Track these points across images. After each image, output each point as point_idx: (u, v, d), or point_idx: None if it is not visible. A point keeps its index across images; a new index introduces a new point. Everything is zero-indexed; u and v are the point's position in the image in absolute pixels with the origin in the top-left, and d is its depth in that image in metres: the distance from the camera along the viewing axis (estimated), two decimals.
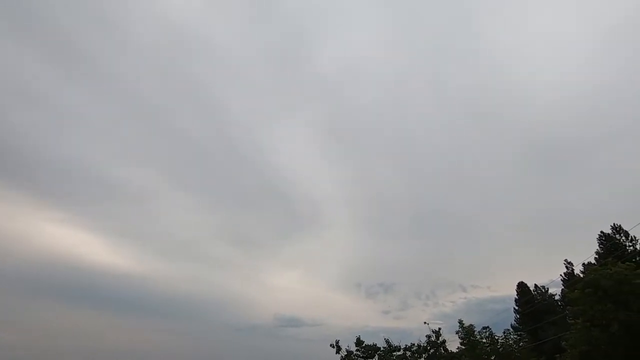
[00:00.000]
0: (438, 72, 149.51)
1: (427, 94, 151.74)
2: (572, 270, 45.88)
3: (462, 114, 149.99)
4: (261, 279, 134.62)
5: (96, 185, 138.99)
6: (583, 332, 22.80)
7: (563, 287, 45.32)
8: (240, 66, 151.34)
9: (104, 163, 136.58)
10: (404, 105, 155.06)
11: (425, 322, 43.60)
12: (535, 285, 51.46)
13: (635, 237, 39.31)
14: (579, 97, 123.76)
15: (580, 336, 22.93)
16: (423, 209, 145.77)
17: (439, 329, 42.71)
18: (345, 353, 41.52)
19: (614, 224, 41.45)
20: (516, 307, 51.39)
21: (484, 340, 38.72)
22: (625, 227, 40.39)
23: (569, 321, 27.01)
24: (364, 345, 41.95)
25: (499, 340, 39.22)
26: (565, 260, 47.30)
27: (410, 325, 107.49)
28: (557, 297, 48.36)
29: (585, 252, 66.39)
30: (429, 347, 41.58)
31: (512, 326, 48.34)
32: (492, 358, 37.89)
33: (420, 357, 41.65)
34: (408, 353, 41.67)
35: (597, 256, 40.59)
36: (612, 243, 40.20)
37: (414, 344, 42.09)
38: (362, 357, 41.49)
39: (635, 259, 34.35)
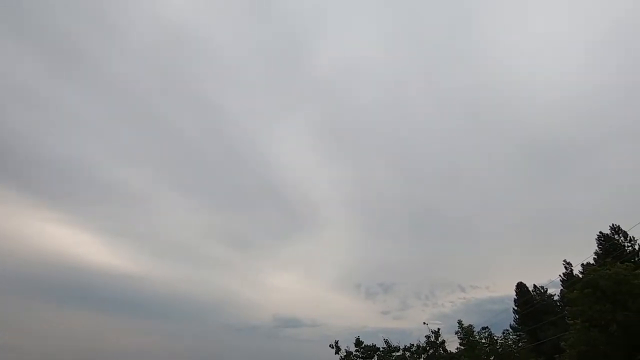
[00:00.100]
0: (438, 72, 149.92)
1: (426, 94, 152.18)
2: (571, 270, 45.95)
3: (461, 114, 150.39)
4: (260, 280, 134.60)
5: (94, 186, 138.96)
6: (582, 332, 22.84)
7: (562, 288, 45.38)
8: (239, 66, 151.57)
9: (102, 163, 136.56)
10: (404, 106, 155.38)
11: (424, 323, 43.68)
12: (534, 286, 51.56)
13: (634, 238, 39.42)
14: (578, 97, 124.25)
15: (579, 336, 22.96)
16: (422, 209, 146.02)
17: (438, 329, 42.83)
18: (345, 353, 41.51)
19: (612, 225, 41.58)
20: (515, 308, 51.44)
21: (483, 341, 38.75)
22: (624, 228, 40.55)
23: (567, 321, 27.01)
24: (363, 345, 41.94)
25: (498, 341, 39.27)
26: (564, 260, 47.45)
27: (410, 326, 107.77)
28: (556, 298, 48.42)
29: (584, 253, 66.57)
30: (428, 348, 41.58)
31: (511, 326, 48.41)
32: (492, 358, 37.93)
33: (419, 358, 41.65)
34: (407, 353, 41.67)
35: (596, 256, 40.67)
36: (610, 243, 40.27)
37: (413, 345, 42.16)
38: (362, 357, 41.48)
39: (634, 259, 34.44)
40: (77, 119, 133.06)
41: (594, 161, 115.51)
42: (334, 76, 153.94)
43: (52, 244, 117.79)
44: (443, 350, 41.60)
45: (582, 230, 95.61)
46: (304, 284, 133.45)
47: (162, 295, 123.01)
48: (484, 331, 39.59)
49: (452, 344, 41.77)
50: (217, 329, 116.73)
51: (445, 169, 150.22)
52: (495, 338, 39.38)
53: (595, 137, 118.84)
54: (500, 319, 53.05)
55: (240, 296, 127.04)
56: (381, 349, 41.84)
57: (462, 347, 39.09)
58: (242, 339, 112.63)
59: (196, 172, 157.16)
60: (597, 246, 41.79)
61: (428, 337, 42.15)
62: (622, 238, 40.36)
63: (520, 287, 51.96)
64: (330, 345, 42.05)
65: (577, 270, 44.07)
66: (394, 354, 41.57)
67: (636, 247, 38.92)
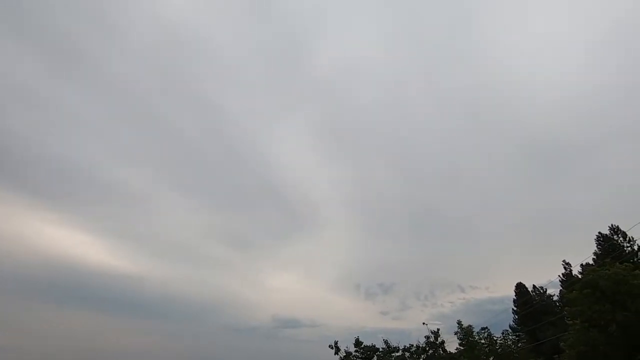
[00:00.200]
0: (438, 72, 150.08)
1: (426, 94, 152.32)
2: (570, 270, 45.98)
3: (461, 114, 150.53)
4: (260, 280, 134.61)
5: (94, 186, 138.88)
6: (581, 332, 22.85)
7: (561, 288, 45.39)
8: (239, 66, 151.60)
9: (101, 163, 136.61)
10: (403, 106, 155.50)
11: (424, 323, 43.76)
12: (534, 286, 51.58)
13: (633, 238, 39.47)
14: (578, 97, 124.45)
15: (579, 337, 22.97)
16: (422, 209, 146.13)
17: (438, 329, 42.83)
18: (344, 354, 41.50)
19: (612, 225, 41.60)
20: (514, 308, 51.45)
21: (483, 341, 38.76)
22: (623, 228, 40.59)
23: (567, 322, 27.00)
24: (362, 346, 41.95)
25: (498, 341, 39.28)
26: (564, 260, 47.48)
27: (409, 326, 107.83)
28: (555, 298, 48.41)
29: (583, 253, 66.55)
30: (427, 348, 41.58)
31: (510, 327, 48.43)
32: (491, 359, 37.93)
33: (419, 358, 41.64)
34: (407, 354, 41.66)
35: (595, 257, 40.69)
36: (610, 244, 40.30)
37: (412, 345, 42.16)
38: (361, 358, 41.48)
39: (633, 259, 34.46)
40: (77, 119, 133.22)
41: (594, 161, 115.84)
42: (334, 76, 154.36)
43: (51, 245, 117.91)
44: (442, 350, 41.60)
45: (582, 230, 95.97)
46: (304, 284, 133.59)
47: (162, 295, 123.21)
48: (483, 331, 39.62)
49: (452, 345, 41.86)
50: (217, 330, 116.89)
51: (445, 169, 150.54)
52: (495, 338, 39.41)
53: (595, 137, 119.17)
54: (499, 319, 53.14)
55: (240, 296, 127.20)
56: (380, 350, 41.85)
57: (462, 348, 39.09)
58: (242, 339, 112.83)
59: (196, 172, 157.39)
60: (597, 246, 41.85)
61: (427, 337, 42.24)
62: (621, 238, 40.39)
63: (520, 288, 51.97)
64: (329, 346, 42.12)
65: (576, 270, 44.17)
66: (393, 354, 41.57)
67: (635, 247, 38.96)
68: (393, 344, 42.19)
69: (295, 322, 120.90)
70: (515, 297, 52.15)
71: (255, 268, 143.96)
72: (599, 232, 42.21)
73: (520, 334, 45.13)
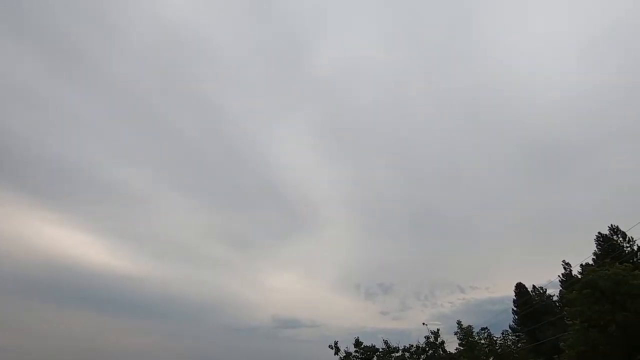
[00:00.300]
0: (438, 72, 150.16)
1: (426, 94, 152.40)
2: (570, 271, 46.01)
3: (461, 114, 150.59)
4: (260, 280, 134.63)
5: (94, 186, 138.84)
6: (581, 332, 22.86)
7: (561, 288, 45.42)
8: (239, 66, 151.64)
9: (101, 163, 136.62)
10: (403, 106, 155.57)
11: (423, 323, 43.78)
12: (534, 286, 51.61)
13: (632, 238, 39.51)
14: (578, 97, 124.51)
15: (578, 337, 22.98)
16: (422, 209, 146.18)
17: (438, 330, 42.79)
18: (344, 354, 41.48)
19: (611, 225, 41.62)
20: (514, 308, 51.47)
21: (483, 341, 38.76)
22: (623, 228, 40.62)
23: (567, 322, 27.01)
24: (362, 346, 41.91)
25: (498, 341, 39.28)
26: (563, 261, 47.52)
27: (409, 326, 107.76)
28: (555, 298, 48.45)
29: (583, 253, 66.53)
30: (427, 348, 41.56)
31: (510, 327, 48.43)
32: (491, 359, 37.92)
33: (418, 358, 41.60)
34: (407, 354, 41.63)
35: (594, 257, 40.71)
36: (609, 244, 40.32)
37: (412, 345, 42.11)
38: (361, 358, 41.44)
39: (633, 259, 34.47)
40: (76, 119, 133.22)
41: (594, 161, 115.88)
42: (334, 76, 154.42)
43: (51, 245, 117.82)
44: (442, 351, 41.59)
45: (582, 230, 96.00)
46: (304, 284, 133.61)
47: (162, 295, 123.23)
48: (483, 332, 39.62)
49: (452, 345, 41.85)
50: (217, 330, 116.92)
51: (445, 169, 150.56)
52: (495, 338, 39.41)
53: (595, 137, 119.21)
54: (499, 319, 53.15)
55: (240, 296, 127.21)
56: (380, 350, 41.82)
57: (462, 348, 39.09)
58: (242, 339, 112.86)
59: (196, 172, 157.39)
60: (596, 246, 41.88)
61: (427, 337, 42.20)
62: (621, 239, 40.42)
63: (520, 288, 51.99)
64: (329, 346, 42.09)
65: (576, 270, 44.22)
66: (393, 354, 41.54)
67: (635, 247, 38.97)
68: (393, 344, 42.23)
69: (295, 322, 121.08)
70: (515, 297, 52.18)
71: (255, 268, 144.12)
72: (599, 232, 42.27)
73: (520, 334, 45.13)
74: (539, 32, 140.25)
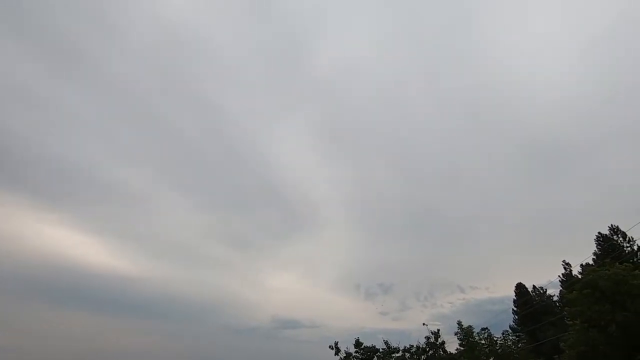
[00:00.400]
0: (438, 72, 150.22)
1: (426, 94, 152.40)
2: (570, 271, 46.00)
3: (461, 114, 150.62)
4: (259, 280, 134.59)
5: (93, 186, 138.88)
6: (581, 332, 22.86)
7: (561, 288, 45.41)
8: (239, 66, 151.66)
9: (101, 164, 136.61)
10: (403, 106, 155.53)
11: (424, 324, 43.79)
12: (534, 286, 51.62)
13: (632, 238, 39.53)
14: (578, 97, 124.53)
15: (579, 337, 22.98)
16: (422, 209, 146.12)
17: (438, 330, 42.76)
18: (344, 355, 41.45)
19: (611, 225, 41.62)
20: (515, 308, 51.45)
21: (483, 342, 38.74)
22: (623, 228, 40.63)
23: (567, 322, 27.01)
24: (363, 346, 41.88)
25: (498, 342, 39.26)
26: (564, 261, 47.51)
27: (409, 327, 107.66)
28: (555, 298, 48.46)
29: (583, 253, 66.49)
30: (428, 349, 41.52)
31: (510, 327, 48.42)
32: (491, 359, 37.91)
33: (419, 359, 41.57)
34: (407, 354, 41.60)
35: (595, 257, 40.71)
36: (609, 244, 40.32)
37: (412, 346, 42.08)
38: (361, 358, 41.41)
39: (633, 259, 34.46)
40: (76, 119, 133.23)
41: (594, 161, 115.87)
42: (334, 76, 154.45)
43: (51, 245, 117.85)
44: (443, 351, 41.56)
45: (582, 230, 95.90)
46: (304, 284, 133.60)
47: (162, 295, 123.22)
48: (483, 332, 39.59)
49: (452, 345, 41.81)
50: (217, 330, 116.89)
51: (445, 169, 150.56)
52: (495, 339, 39.39)
53: (596, 137, 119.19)
54: (499, 319, 53.09)
55: (240, 297, 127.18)
56: (381, 350, 41.80)
57: (462, 348, 39.08)
58: (241, 339, 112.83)
59: (196, 172, 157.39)
60: (596, 247, 41.88)
61: (428, 338, 42.17)
62: (621, 239, 40.42)
63: (520, 288, 51.98)
64: (330, 347, 42.04)
65: (576, 270, 44.22)
66: (393, 355, 41.51)
67: (635, 247, 38.98)
68: (393, 344, 42.22)
69: (295, 322, 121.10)
70: (515, 298, 52.17)
71: (255, 268, 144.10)
72: (599, 232, 42.28)
73: (521, 334, 45.11)
74: (539, 32, 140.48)
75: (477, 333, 39.26)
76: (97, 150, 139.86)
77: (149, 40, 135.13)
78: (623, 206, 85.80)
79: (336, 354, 41.64)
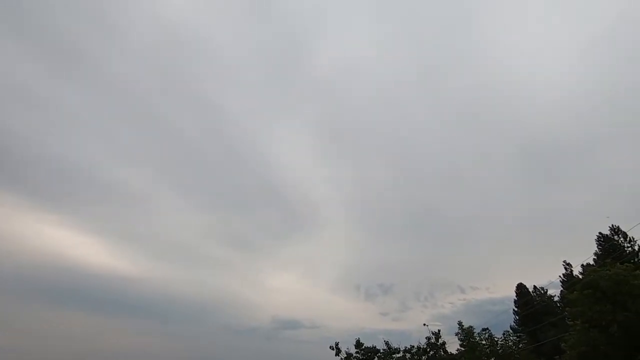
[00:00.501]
0: (437, 72, 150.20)
1: (426, 94, 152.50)
2: (571, 271, 45.94)
3: (462, 114, 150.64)
4: (259, 281, 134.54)
5: (93, 187, 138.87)
6: (582, 333, 22.82)
7: (562, 289, 45.35)
8: (239, 67, 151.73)
9: (101, 164, 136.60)
10: (403, 105, 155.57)
11: (424, 324, 43.75)
12: (534, 287, 51.56)
13: (633, 238, 39.49)
14: (578, 97, 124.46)
15: (580, 337, 22.94)
16: (422, 210, 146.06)
17: (439, 330, 42.70)
18: (345, 355, 41.40)
19: (612, 225, 41.59)
20: (515, 309, 51.40)
21: (484, 342, 38.68)
22: (623, 228, 40.60)
23: (568, 322, 26.97)
24: (363, 347, 41.83)
25: (499, 342, 39.20)
26: (564, 261, 47.45)
27: (409, 327, 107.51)
28: (556, 299, 48.39)
29: (584, 253, 66.44)
30: (428, 349, 41.46)
31: (511, 327, 48.36)
32: None
33: (420, 359, 41.52)
34: (408, 355, 41.54)
35: (595, 257, 40.67)
36: (610, 244, 40.29)
37: (413, 346, 42.01)
38: (362, 359, 41.36)
39: (634, 260, 34.43)
40: (76, 119, 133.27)
41: (595, 161, 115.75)
42: (334, 76, 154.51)
43: (51, 245, 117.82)
44: (443, 351, 41.50)
45: (582, 230, 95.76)
46: (304, 284, 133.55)
47: (161, 296, 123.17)
48: (484, 332, 39.54)
49: (452, 346, 41.75)
50: (216, 330, 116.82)
51: (445, 169, 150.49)
52: (496, 339, 39.33)
53: (596, 137, 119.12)
54: (500, 320, 53.08)
55: (240, 297, 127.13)
56: (381, 351, 41.74)
57: (463, 349, 39.02)
58: (241, 340, 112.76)
59: (196, 173, 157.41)
60: (597, 247, 41.83)
61: (428, 338, 42.11)
62: (621, 239, 40.39)
63: (521, 288, 51.93)
64: (330, 347, 41.98)
65: (577, 271, 44.17)
66: (394, 355, 41.45)
67: (636, 247, 38.94)
68: (394, 345, 42.17)
69: (295, 323, 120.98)
70: (516, 298, 52.11)
71: (255, 268, 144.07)
72: (600, 233, 42.23)
73: (521, 334, 45.04)
74: (539, 32, 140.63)
75: (478, 333, 39.22)
76: (97, 150, 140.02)
77: (149, 41, 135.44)
78: (624, 206, 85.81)
79: (337, 354, 41.58)
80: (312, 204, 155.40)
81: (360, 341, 42.24)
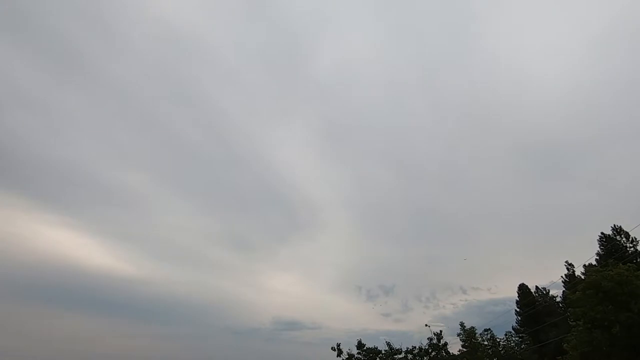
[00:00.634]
0: (437, 72, 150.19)
1: (426, 95, 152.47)
2: (573, 271, 45.80)
3: (462, 114, 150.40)
4: (260, 282, 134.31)
5: (94, 189, 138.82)
6: (584, 333, 22.78)
7: (564, 289, 45.23)
8: (239, 68, 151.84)
9: (102, 166, 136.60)
10: (403, 105, 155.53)
11: (426, 325, 43.63)
12: (536, 287, 51.46)
13: (635, 239, 39.34)
14: (579, 97, 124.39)
15: (582, 338, 22.90)
16: (423, 211, 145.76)
17: (441, 331, 42.63)
18: (347, 356, 41.37)
19: (614, 225, 41.49)
20: (517, 309, 51.29)
21: (486, 343, 38.65)
22: (625, 229, 40.50)
23: (570, 323, 26.95)
24: (365, 348, 41.80)
25: (501, 343, 39.16)
26: (566, 261, 47.29)
27: (411, 328, 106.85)
28: (558, 299, 48.28)
29: (586, 254, 66.29)
30: (430, 350, 41.38)
31: (513, 328, 48.28)
32: None
33: None
34: (409, 356, 41.47)
35: (597, 257, 40.57)
36: (612, 244, 40.19)
37: (415, 347, 41.97)
38: None
39: (636, 260, 34.36)
40: (77, 121, 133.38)
41: (596, 161, 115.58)
42: (335, 77, 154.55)
43: (53, 247, 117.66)
44: (445, 352, 41.42)
45: (584, 231, 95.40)
46: (304, 285, 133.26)
47: (163, 297, 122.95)
48: (486, 333, 39.51)
49: (454, 346, 41.67)
50: (217, 332, 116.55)
51: (446, 171, 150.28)
52: (498, 340, 39.29)
53: (595, 137, 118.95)
54: (502, 320, 52.95)
55: (241, 298, 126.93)
56: (383, 352, 41.70)
57: (465, 350, 38.97)
58: (243, 341, 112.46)
59: (197, 174, 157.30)
60: (599, 247, 41.73)
61: (430, 339, 42.03)
62: (624, 239, 40.28)
63: (522, 289, 51.82)
64: (332, 348, 41.90)
65: (579, 271, 44.03)
66: (396, 356, 41.40)
67: (638, 247, 38.83)
68: (395, 346, 42.12)
69: (297, 324, 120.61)
70: (517, 299, 51.99)
71: (256, 270, 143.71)
72: (602, 233, 42.14)
73: (523, 335, 44.95)
74: (539, 32, 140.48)
75: (480, 334, 39.21)
76: (98, 151, 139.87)
77: (149, 43, 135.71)
78: (625, 206, 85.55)
79: (339, 355, 41.53)
80: (312, 204, 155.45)
81: (362, 342, 42.29)
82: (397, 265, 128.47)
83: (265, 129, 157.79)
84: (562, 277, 46.82)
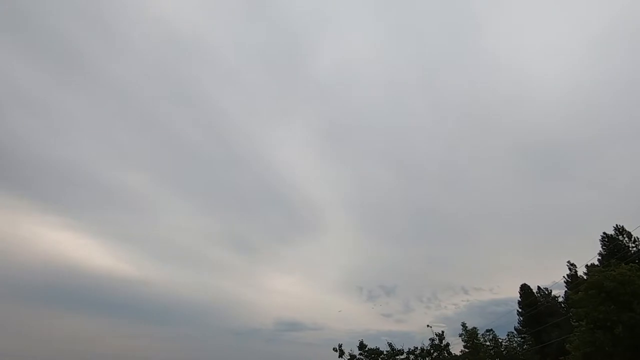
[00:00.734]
0: (438, 72, 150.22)
1: (426, 94, 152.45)
2: (575, 271, 45.66)
3: (462, 114, 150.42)
4: (261, 283, 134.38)
5: (95, 189, 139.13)
6: (587, 334, 22.72)
7: (566, 289, 45.08)
8: (239, 68, 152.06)
9: (102, 166, 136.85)
10: (403, 105, 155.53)
11: (428, 325, 43.53)
12: (539, 287, 51.24)
13: (638, 238, 39.22)
14: (579, 97, 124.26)
15: (584, 338, 22.84)
16: (423, 211, 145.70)
17: (442, 332, 42.52)
18: (349, 357, 41.33)
19: (616, 225, 41.36)
20: (519, 310, 51.12)
21: (488, 343, 38.58)
22: (628, 228, 40.36)
23: (572, 323, 26.88)
24: (367, 349, 41.75)
25: (503, 343, 39.09)
26: (568, 261, 47.11)
27: (413, 329, 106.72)
28: (560, 299, 48.12)
29: (586, 254, 66.14)
30: (432, 351, 41.29)
31: (515, 329, 48.12)
32: None
33: None
34: (411, 356, 41.39)
35: (600, 257, 40.44)
36: (615, 244, 40.06)
37: (417, 348, 41.87)
38: None
39: (639, 260, 34.22)
40: (77, 121, 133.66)
41: (598, 161, 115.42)
42: (335, 77, 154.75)
43: (54, 248, 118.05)
44: (447, 353, 41.33)
45: (584, 231, 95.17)
46: (306, 286, 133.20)
47: (164, 298, 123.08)
48: (488, 333, 39.45)
49: (456, 347, 41.58)
50: (219, 333, 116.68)
51: (447, 171, 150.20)
52: (500, 340, 39.21)
53: (597, 137, 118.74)
54: (504, 321, 52.76)
55: (241, 299, 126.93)
56: (385, 352, 41.64)
57: (467, 350, 38.89)
58: (244, 342, 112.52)
59: (197, 175, 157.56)
60: (601, 247, 41.60)
61: (432, 340, 41.95)
62: (626, 239, 40.15)
63: (524, 289, 51.64)
64: (334, 349, 41.86)
65: (581, 271, 43.87)
66: (397, 357, 41.34)
67: None
68: (397, 346, 42.06)
69: (298, 324, 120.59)
70: (520, 299, 51.81)
71: (258, 271, 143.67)
72: (604, 233, 42.01)
73: (526, 335, 44.83)
74: (539, 32, 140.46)
75: (482, 335, 39.15)
76: (99, 152, 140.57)
77: (149, 43, 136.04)
78: (625, 206, 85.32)
79: (340, 356, 41.47)
80: (313, 205, 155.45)
81: (364, 343, 42.23)
82: (397, 266, 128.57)
83: (265, 129, 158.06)
84: (564, 277, 46.68)
